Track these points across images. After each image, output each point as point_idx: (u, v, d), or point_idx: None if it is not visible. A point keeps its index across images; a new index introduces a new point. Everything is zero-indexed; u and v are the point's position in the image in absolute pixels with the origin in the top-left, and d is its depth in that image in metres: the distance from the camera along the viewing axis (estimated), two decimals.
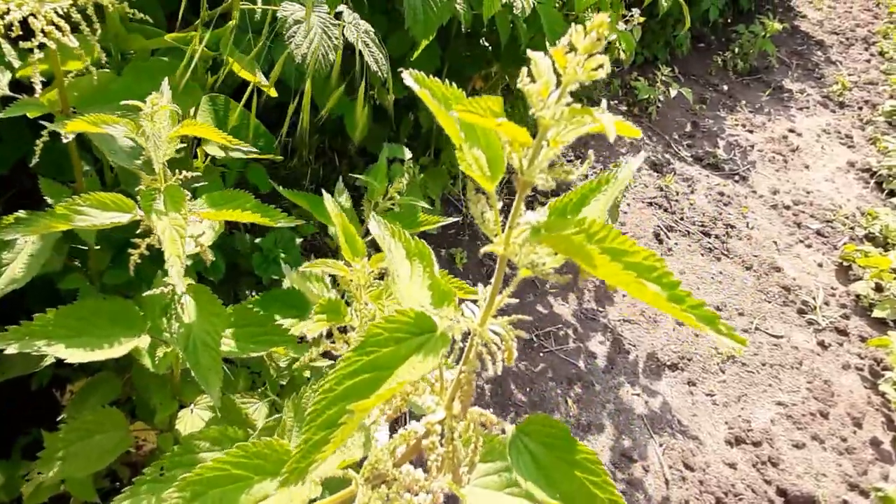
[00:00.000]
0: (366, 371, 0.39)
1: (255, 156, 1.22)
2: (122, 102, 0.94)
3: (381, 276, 0.78)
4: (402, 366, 0.38)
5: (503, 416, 2.09)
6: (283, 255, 1.82)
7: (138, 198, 0.76)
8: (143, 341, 0.89)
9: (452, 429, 0.42)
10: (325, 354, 0.93)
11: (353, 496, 0.47)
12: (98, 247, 1.27)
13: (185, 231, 0.72)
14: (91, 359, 0.86)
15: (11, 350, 0.85)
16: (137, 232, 0.82)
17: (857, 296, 2.77)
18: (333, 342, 0.80)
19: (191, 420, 1.06)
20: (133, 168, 0.88)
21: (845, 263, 2.95)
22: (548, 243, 0.38)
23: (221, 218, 0.84)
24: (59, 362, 1.57)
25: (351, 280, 0.75)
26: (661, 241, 2.89)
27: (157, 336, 0.93)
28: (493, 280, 0.41)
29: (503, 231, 0.40)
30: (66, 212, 0.78)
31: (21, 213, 0.89)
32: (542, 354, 2.31)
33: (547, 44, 2.23)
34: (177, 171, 0.77)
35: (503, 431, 0.46)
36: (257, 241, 1.83)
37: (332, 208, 0.81)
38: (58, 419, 1.28)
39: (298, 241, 1.89)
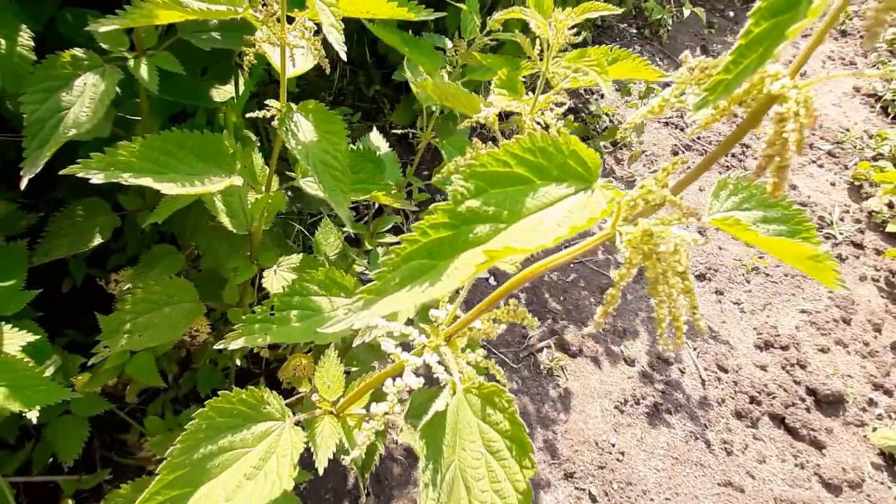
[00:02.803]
0: None
1: None
2: None
3: (576, 46, 0.70)
4: None
5: (540, 323, 2.06)
6: None
7: None
8: (237, 180, 0.81)
9: (800, 102, 0.37)
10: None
11: (610, 238, 0.41)
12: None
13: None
14: (185, 192, 0.77)
15: (97, 180, 0.76)
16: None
17: (871, 212, 2.80)
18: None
19: (276, 280, 0.99)
20: None
21: (857, 182, 2.97)
22: None
23: (356, 13, 0.74)
24: (93, 259, 1.48)
25: (543, 42, 0.67)
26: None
27: (249, 178, 0.84)
28: None
29: None
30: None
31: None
32: (572, 265, 2.28)
33: None
34: None
35: None
36: None
37: None
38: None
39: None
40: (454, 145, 1.12)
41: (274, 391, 0.64)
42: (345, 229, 1.69)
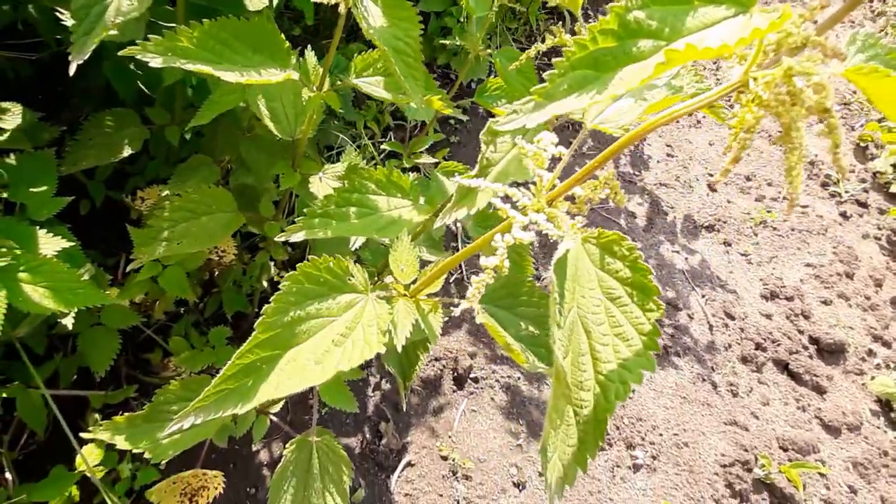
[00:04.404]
0: None
1: None
2: None
3: None
4: None
5: None
6: None
7: None
8: (293, 74, 0.79)
9: None
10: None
11: (742, 85, 0.41)
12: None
13: None
14: (244, 81, 0.75)
15: (156, 63, 0.73)
16: None
17: (875, 173, 2.83)
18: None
19: (322, 187, 0.98)
20: None
21: (862, 144, 3.00)
22: None
23: None
24: (110, 183, 1.44)
25: None
26: (690, 114, 2.85)
27: (303, 76, 0.82)
28: None
29: None
30: None
31: None
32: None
33: None
34: None
35: None
36: None
37: None
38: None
39: None
40: (506, 55, 1.10)
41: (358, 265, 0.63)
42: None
